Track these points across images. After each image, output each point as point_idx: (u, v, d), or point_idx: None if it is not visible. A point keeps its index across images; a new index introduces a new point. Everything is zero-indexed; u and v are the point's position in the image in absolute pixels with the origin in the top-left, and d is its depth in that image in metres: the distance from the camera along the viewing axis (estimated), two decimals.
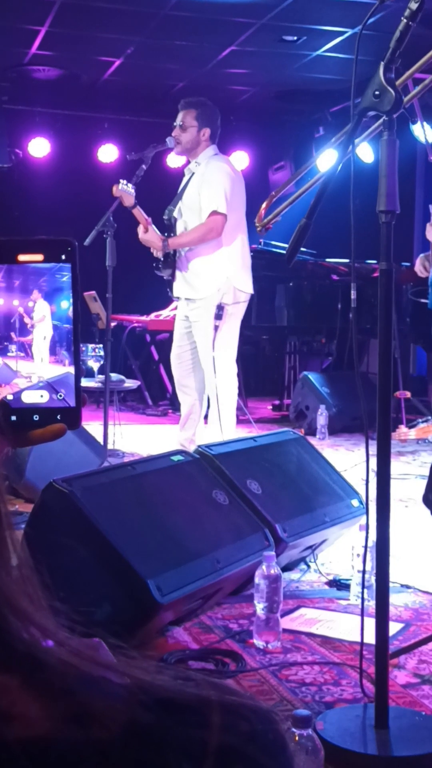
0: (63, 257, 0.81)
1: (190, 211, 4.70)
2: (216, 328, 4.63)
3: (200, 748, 0.45)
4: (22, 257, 0.80)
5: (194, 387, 4.84)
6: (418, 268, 5.90)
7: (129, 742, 0.45)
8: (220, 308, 4.63)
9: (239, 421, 6.22)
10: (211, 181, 4.62)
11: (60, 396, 0.82)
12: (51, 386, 0.82)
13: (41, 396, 0.82)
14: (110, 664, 0.49)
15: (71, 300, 0.87)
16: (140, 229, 4.77)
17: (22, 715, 0.44)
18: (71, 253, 0.81)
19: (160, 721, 0.46)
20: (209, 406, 4.80)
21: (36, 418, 0.81)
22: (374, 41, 2.47)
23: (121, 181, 4.71)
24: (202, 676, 0.49)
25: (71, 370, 0.84)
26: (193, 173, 4.78)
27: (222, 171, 4.66)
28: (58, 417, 0.81)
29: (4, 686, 0.45)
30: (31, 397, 0.81)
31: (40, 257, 0.81)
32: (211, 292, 4.64)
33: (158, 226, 4.82)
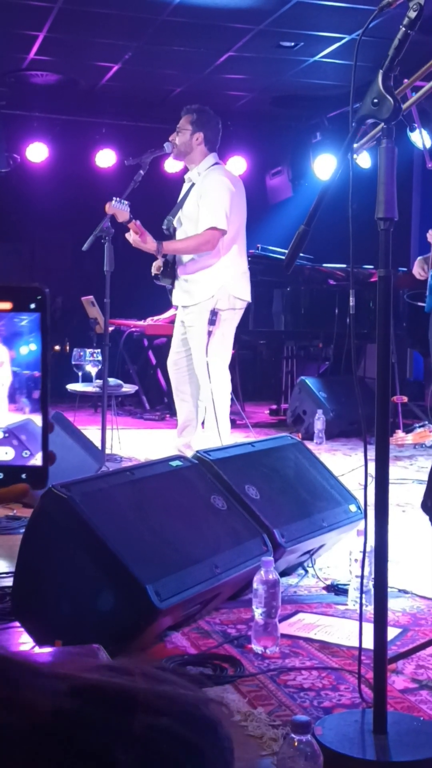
0: (32, 306, 0.76)
1: (189, 221, 4.70)
2: (210, 333, 4.63)
3: (126, 731, 0.48)
4: None
5: (191, 393, 4.86)
6: (417, 270, 5.89)
7: (56, 728, 0.48)
8: (214, 313, 4.63)
9: (237, 426, 6.23)
10: (211, 196, 4.59)
11: (26, 453, 0.77)
12: (12, 433, 0.79)
13: (6, 453, 0.78)
14: (40, 660, 0.53)
15: (39, 346, 0.79)
16: (130, 235, 4.69)
17: None
18: (41, 301, 0.76)
19: (86, 708, 0.49)
20: (205, 411, 4.80)
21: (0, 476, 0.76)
22: (372, 47, 2.48)
23: (114, 198, 4.65)
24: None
25: (33, 417, 0.79)
26: (193, 183, 4.78)
27: (222, 185, 4.63)
28: (23, 476, 0.77)
29: None
30: None
31: (8, 305, 0.76)
32: (205, 297, 4.65)
33: (157, 232, 4.81)
